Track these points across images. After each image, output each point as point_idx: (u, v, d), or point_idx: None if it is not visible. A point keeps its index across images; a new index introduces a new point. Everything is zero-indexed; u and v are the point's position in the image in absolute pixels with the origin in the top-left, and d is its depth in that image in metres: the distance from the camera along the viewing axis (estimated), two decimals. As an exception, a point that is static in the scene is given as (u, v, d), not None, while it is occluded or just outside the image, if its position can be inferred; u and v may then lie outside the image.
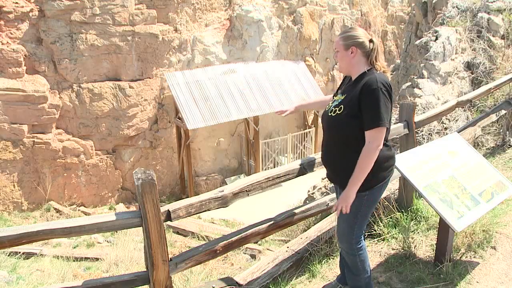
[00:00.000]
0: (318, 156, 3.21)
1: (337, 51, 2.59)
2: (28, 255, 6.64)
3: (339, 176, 2.65)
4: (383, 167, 2.56)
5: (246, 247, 5.98)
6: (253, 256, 5.85)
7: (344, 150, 2.54)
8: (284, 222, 3.24)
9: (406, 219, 3.77)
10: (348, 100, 2.50)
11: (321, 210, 3.54)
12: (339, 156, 2.59)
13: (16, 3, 11.28)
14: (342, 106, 2.52)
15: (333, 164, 2.68)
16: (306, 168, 3.17)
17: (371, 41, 2.53)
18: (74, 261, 6.55)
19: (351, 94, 2.50)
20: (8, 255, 6.45)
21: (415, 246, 3.53)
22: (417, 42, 8.04)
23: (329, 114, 2.60)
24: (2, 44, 11.13)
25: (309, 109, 3.42)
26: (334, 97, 2.72)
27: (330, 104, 2.67)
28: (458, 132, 4.43)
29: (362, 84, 2.43)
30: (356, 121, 2.44)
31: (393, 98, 2.49)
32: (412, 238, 3.58)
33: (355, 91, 2.47)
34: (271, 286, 3.20)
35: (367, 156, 2.41)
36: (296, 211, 3.35)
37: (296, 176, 3.17)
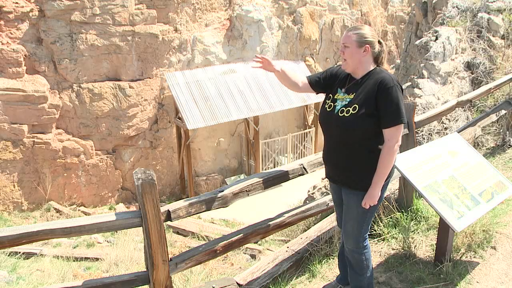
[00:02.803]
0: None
1: (346, 47, 2.51)
2: (28, 255, 6.63)
3: (349, 176, 2.60)
4: None
5: (246, 247, 5.98)
6: (253, 256, 5.85)
7: (358, 150, 2.52)
8: (284, 222, 3.24)
9: (406, 219, 3.77)
10: (362, 99, 2.46)
11: (321, 210, 3.54)
12: (352, 156, 2.54)
13: (16, 3, 11.27)
14: (355, 105, 2.47)
15: (343, 164, 2.61)
16: (306, 168, 3.17)
17: (379, 42, 2.53)
18: (74, 261, 6.55)
19: (363, 93, 2.47)
20: (8, 255, 6.45)
21: (415, 246, 3.53)
22: (417, 42, 8.05)
23: (340, 114, 2.52)
24: (2, 44, 11.12)
25: (283, 82, 3.24)
26: (333, 95, 2.64)
27: (332, 104, 2.60)
28: (458, 132, 4.43)
29: (378, 83, 2.42)
30: (372, 120, 2.44)
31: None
32: (412, 238, 3.59)
33: (369, 90, 2.45)
34: (271, 286, 3.20)
35: (388, 154, 2.44)
36: (296, 211, 3.35)
37: (296, 176, 3.16)
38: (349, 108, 2.50)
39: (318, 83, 2.81)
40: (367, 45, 2.47)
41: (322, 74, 2.81)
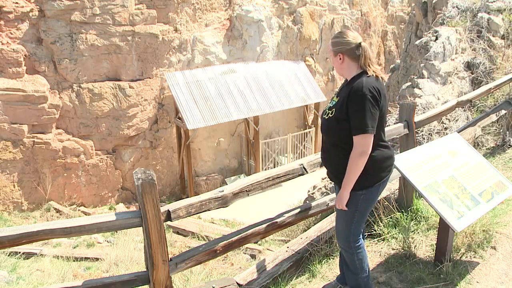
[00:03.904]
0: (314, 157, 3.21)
1: (330, 55, 2.64)
2: (28, 255, 6.63)
3: (335, 176, 2.71)
4: (381, 167, 2.59)
5: (246, 247, 5.98)
6: (253, 256, 5.85)
7: (338, 152, 2.58)
8: (284, 222, 3.24)
9: (406, 219, 3.77)
10: (339, 104, 2.53)
11: (321, 210, 3.54)
12: (334, 157, 2.64)
13: (16, 3, 11.27)
14: (334, 109, 2.55)
15: (330, 164, 2.74)
16: (306, 168, 3.17)
17: (359, 45, 2.48)
18: (74, 261, 6.55)
19: (341, 99, 2.54)
20: (8, 255, 6.45)
21: (415, 246, 3.53)
22: (417, 42, 8.04)
23: (324, 116, 2.64)
24: (2, 44, 11.12)
25: None
26: (332, 99, 2.74)
27: (326, 106, 2.72)
28: (458, 132, 4.43)
29: (350, 89, 2.45)
30: (345, 124, 2.47)
31: (381, 103, 2.45)
32: (412, 238, 3.58)
33: (344, 96, 2.50)
34: (271, 286, 3.20)
35: (353, 160, 2.46)
36: (296, 211, 3.35)
37: (296, 176, 3.17)
38: (329, 111, 2.59)
39: None
40: (340, 54, 2.50)
41: None
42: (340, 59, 2.51)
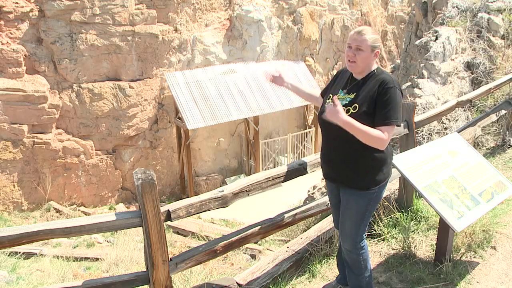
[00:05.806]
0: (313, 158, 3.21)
1: (360, 50, 2.47)
2: (28, 255, 6.63)
3: (348, 174, 2.60)
4: (388, 163, 2.60)
5: (246, 247, 5.98)
6: (253, 256, 5.85)
7: (357, 148, 2.50)
8: (284, 222, 3.24)
9: (406, 219, 3.77)
10: (363, 99, 2.49)
11: (321, 210, 3.54)
12: (352, 154, 2.55)
13: (16, 3, 11.27)
14: (356, 105, 2.49)
15: (342, 162, 2.61)
16: (306, 168, 3.17)
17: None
18: (74, 261, 6.54)
19: (364, 93, 2.49)
20: (8, 255, 6.45)
21: (415, 246, 3.53)
22: (417, 42, 8.04)
23: None
24: (2, 44, 11.12)
25: (299, 95, 3.31)
26: (333, 96, 2.66)
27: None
28: (458, 132, 4.43)
29: (380, 83, 2.46)
30: (371, 119, 2.46)
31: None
32: (412, 238, 3.58)
33: (370, 90, 2.48)
34: (271, 286, 3.20)
35: (376, 137, 2.38)
36: (296, 211, 3.35)
37: (296, 176, 3.17)
38: (349, 107, 2.52)
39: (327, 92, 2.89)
40: (378, 51, 2.53)
41: (329, 84, 2.91)
42: (375, 55, 2.53)
